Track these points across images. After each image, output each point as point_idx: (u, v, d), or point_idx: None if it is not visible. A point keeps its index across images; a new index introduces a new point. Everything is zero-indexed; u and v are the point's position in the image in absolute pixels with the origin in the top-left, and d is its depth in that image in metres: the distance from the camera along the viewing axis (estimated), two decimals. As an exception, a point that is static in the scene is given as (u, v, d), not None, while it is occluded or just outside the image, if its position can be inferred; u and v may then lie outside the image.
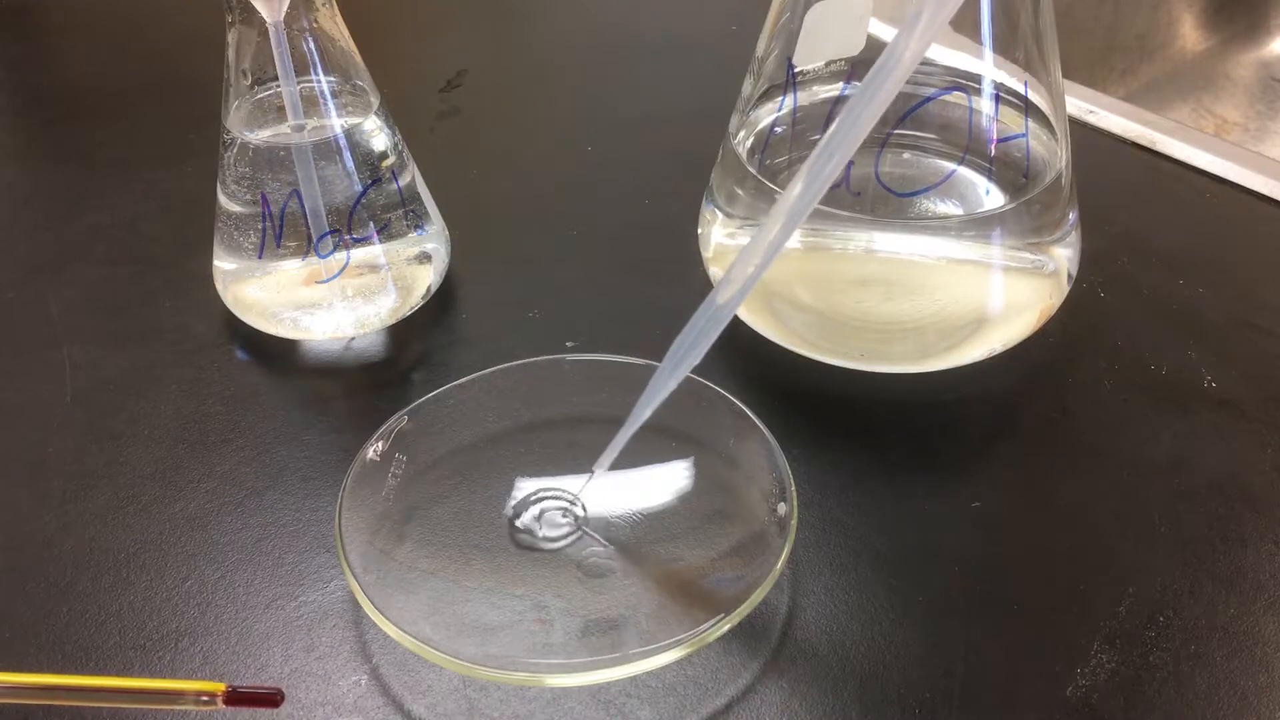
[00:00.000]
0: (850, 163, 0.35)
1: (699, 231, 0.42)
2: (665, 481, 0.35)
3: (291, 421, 0.39)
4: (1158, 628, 0.31)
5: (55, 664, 0.31)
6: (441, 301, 0.44)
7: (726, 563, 0.32)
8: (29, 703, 0.29)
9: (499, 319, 0.43)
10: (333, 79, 0.39)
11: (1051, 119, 0.37)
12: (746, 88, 0.39)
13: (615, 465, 0.36)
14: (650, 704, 0.30)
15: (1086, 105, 0.54)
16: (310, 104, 0.39)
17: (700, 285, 0.43)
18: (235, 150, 0.39)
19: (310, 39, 0.38)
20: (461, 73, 0.60)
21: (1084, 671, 0.30)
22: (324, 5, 0.38)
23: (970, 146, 0.37)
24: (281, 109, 0.38)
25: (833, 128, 0.27)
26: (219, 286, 0.42)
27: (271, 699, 0.27)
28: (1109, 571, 0.33)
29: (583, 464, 0.36)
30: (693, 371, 0.35)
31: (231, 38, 0.38)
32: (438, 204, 0.43)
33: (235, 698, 0.27)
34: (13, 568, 0.34)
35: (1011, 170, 0.38)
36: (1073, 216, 0.39)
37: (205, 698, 0.27)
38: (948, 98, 0.37)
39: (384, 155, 0.40)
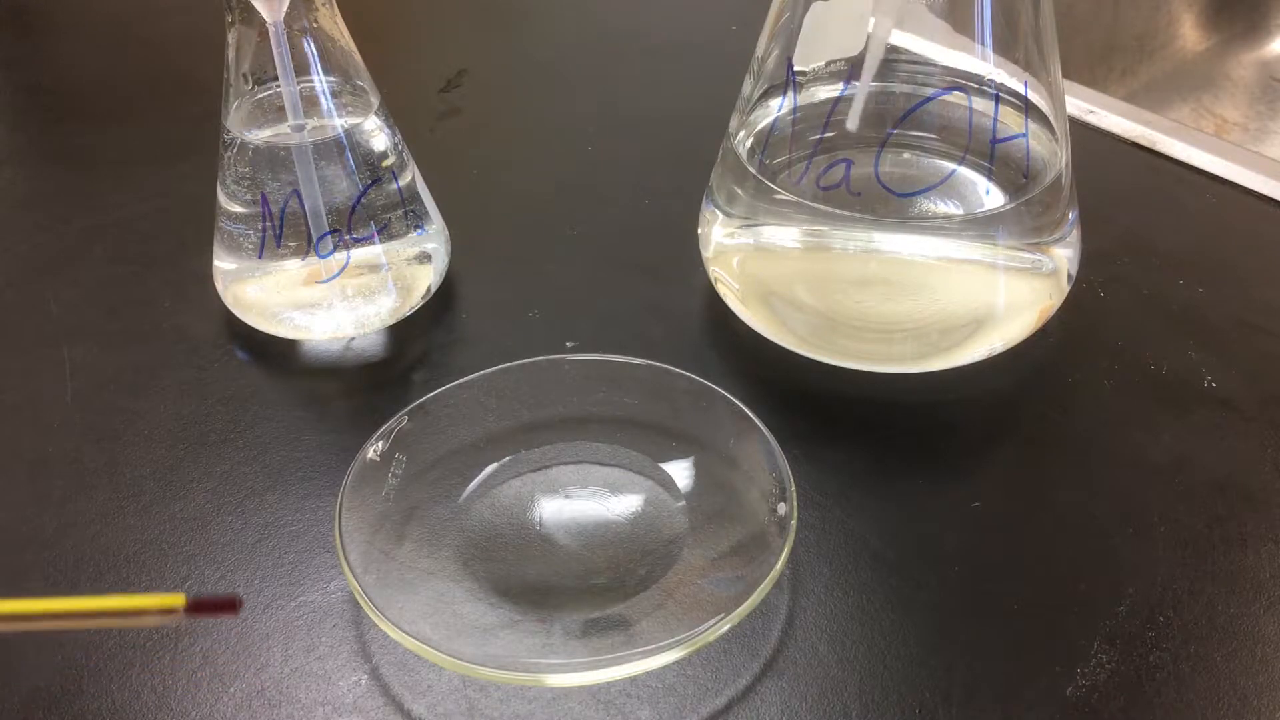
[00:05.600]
0: (850, 162, 0.35)
1: (699, 231, 0.42)
2: (666, 481, 0.35)
3: (291, 421, 0.39)
4: (1158, 628, 0.31)
5: (55, 664, 0.31)
6: (441, 301, 0.44)
7: (726, 563, 0.32)
8: None
9: (499, 319, 0.43)
10: (333, 79, 0.39)
11: (1051, 119, 0.37)
12: (746, 88, 0.39)
13: (615, 465, 0.36)
14: (650, 704, 0.30)
15: (1086, 105, 0.54)
16: (310, 104, 0.39)
17: (700, 285, 0.43)
18: (235, 150, 0.39)
19: (310, 39, 0.38)
20: (461, 73, 0.60)
21: (1084, 671, 0.30)
22: (324, 5, 0.38)
23: (970, 146, 0.37)
24: (281, 109, 0.38)
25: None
26: (219, 286, 0.42)
27: (230, 605, 0.27)
28: (1109, 571, 0.33)
29: (581, 464, 0.36)
30: (693, 371, 0.36)
31: (231, 38, 0.38)
32: (438, 204, 0.43)
33: (196, 607, 0.26)
34: (13, 568, 0.34)
35: (1011, 170, 0.38)
36: (1073, 216, 0.39)
37: (167, 611, 0.26)
38: (948, 98, 0.37)
39: (384, 155, 0.40)
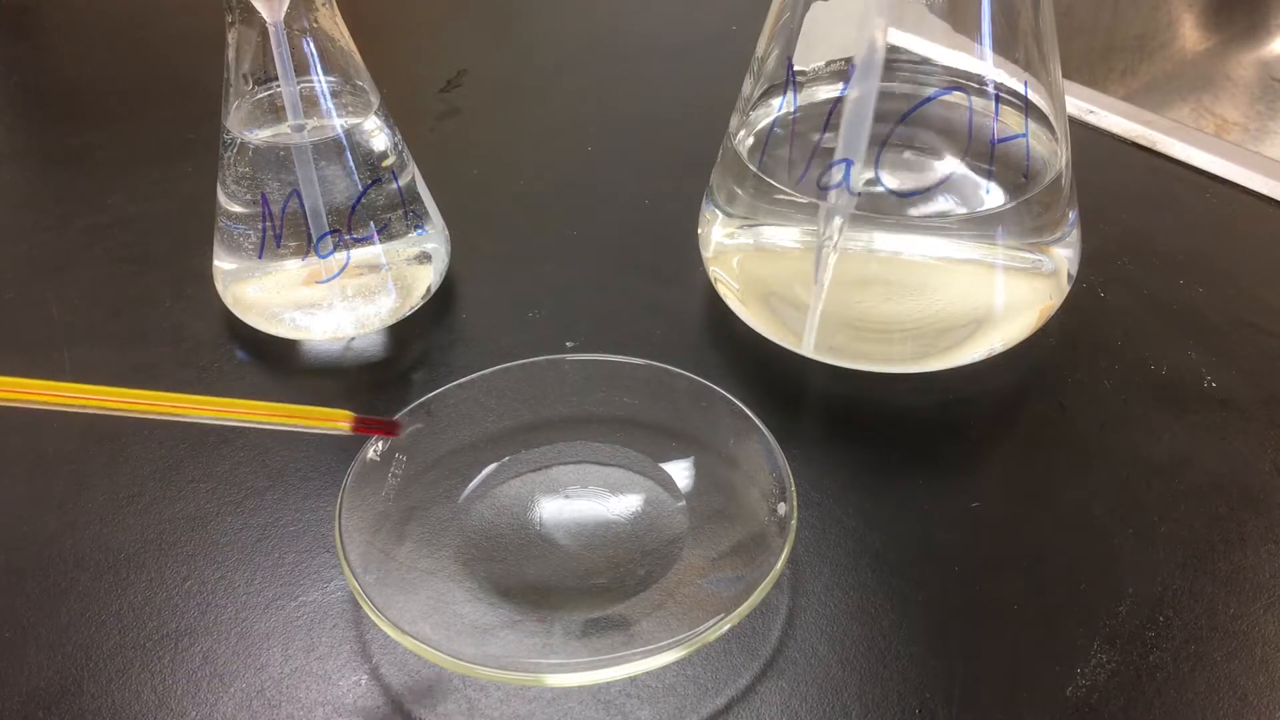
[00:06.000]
0: (850, 162, 0.35)
1: (699, 231, 0.42)
2: (666, 481, 0.35)
3: (291, 421, 0.39)
4: (1158, 628, 0.31)
5: (55, 664, 0.31)
6: (441, 301, 0.44)
7: (726, 563, 0.32)
8: (179, 419, 0.29)
9: (499, 319, 0.43)
10: (333, 79, 0.39)
11: (1051, 119, 0.37)
12: (746, 88, 0.39)
13: (615, 465, 0.36)
14: (650, 704, 0.30)
15: (1086, 105, 0.54)
16: (310, 104, 0.39)
17: (700, 285, 0.43)
18: (235, 150, 0.39)
19: (310, 39, 0.38)
20: (461, 73, 0.60)
21: (1084, 671, 0.30)
22: (324, 5, 0.38)
23: (970, 146, 0.37)
24: (281, 109, 0.38)
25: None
26: (219, 286, 0.42)
27: (393, 427, 0.31)
28: (1109, 571, 0.33)
29: (581, 464, 0.36)
30: (693, 371, 0.36)
31: (231, 38, 0.38)
32: (438, 204, 0.43)
33: (361, 425, 0.30)
34: (13, 568, 0.34)
35: (1011, 170, 0.38)
36: (1073, 216, 0.39)
37: (336, 423, 0.30)
38: (948, 98, 0.37)
39: (384, 155, 0.40)
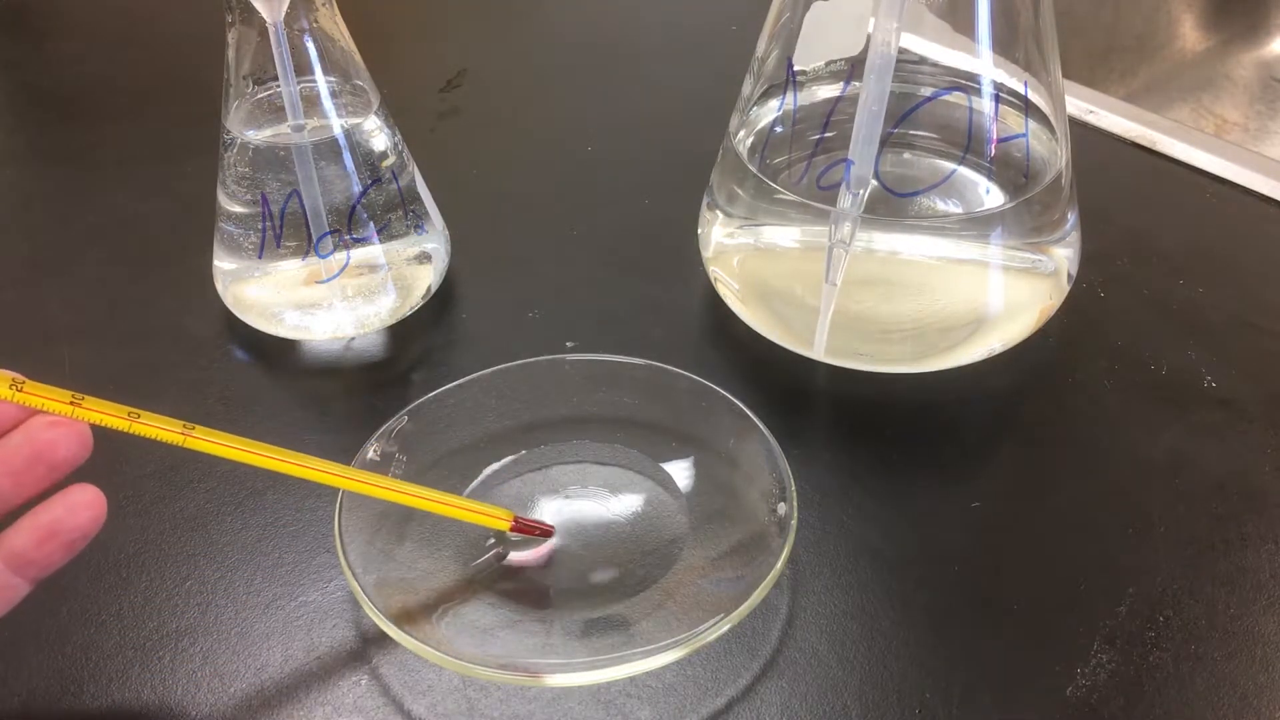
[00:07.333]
0: (850, 162, 0.35)
1: (699, 231, 0.42)
2: (666, 481, 0.35)
3: (291, 421, 0.39)
4: (1158, 628, 0.31)
5: (55, 664, 0.31)
6: (441, 301, 0.44)
7: (726, 563, 0.32)
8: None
9: (499, 319, 0.43)
10: (333, 79, 0.39)
11: (1051, 119, 0.37)
12: (746, 88, 0.39)
13: (615, 465, 0.36)
14: (650, 704, 0.30)
15: (1086, 105, 0.54)
16: (310, 104, 0.38)
17: (700, 285, 0.43)
18: (235, 150, 0.39)
19: (310, 39, 0.38)
20: (461, 73, 0.60)
21: (1084, 671, 0.30)
22: (324, 5, 0.38)
23: (970, 146, 0.37)
24: (281, 109, 0.38)
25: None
26: (219, 286, 0.42)
27: (548, 532, 0.33)
28: (1109, 571, 0.33)
29: (581, 464, 0.36)
30: (693, 371, 0.36)
31: (231, 38, 0.38)
32: (438, 204, 0.43)
33: (517, 526, 0.33)
34: (13, 568, 0.34)
35: (1011, 170, 0.38)
36: (1073, 216, 0.39)
37: (497, 519, 0.33)
38: (948, 98, 0.37)
39: (384, 155, 0.40)
